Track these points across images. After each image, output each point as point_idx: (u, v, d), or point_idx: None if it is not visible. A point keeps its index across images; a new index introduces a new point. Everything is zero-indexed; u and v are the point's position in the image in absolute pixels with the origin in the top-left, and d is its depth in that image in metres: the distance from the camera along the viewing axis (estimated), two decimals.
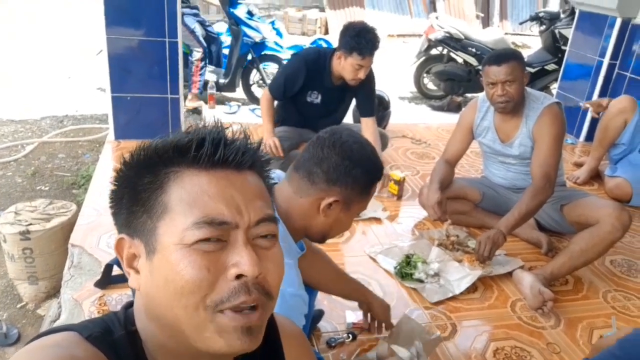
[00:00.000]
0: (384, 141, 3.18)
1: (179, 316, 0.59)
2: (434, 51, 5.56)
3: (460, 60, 5.45)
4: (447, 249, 2.29)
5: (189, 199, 0.59)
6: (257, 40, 4.47)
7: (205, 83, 4.40)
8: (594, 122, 3.90)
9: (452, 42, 5.31)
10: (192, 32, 4.28)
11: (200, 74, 4.37)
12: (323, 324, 1.77)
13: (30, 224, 2.24)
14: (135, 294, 0.66)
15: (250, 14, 4.55)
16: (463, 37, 5.32)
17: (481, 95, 2.49)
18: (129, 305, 0.69)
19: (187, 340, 0.61)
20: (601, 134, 3.14)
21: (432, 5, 10.12)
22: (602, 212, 2.14)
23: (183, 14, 4.37)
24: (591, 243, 2.08)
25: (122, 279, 1.85)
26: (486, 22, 10.52)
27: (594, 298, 2.12)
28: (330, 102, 2.91)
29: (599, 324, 1.95)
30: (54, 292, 2.33)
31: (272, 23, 8.49)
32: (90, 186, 2.66)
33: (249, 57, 4.61)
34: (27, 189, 3.16)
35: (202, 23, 4.47)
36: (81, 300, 1.82)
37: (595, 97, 3.86)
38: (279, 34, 8.07)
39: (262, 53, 4.66)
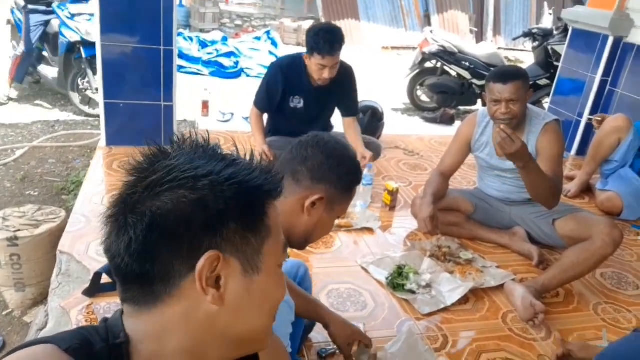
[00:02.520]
0: (377, 151, 3.19)
1: (259, 325, 0.68)
2: (427, 64, 5.61)
3: (453, 74, 5.50)
4: (439, 260, 2.29)
5: (277, 224, 0.70)
6: (72, 40, 4.33)
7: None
8: (585, 137, 3.96)
9: (446, 55, 5.36)
10: (28, 29, 4.45)
11: (18, 68, 4.59)
12: (314, 335, 1.75)
13: (18, 230, 2.21)
14: (173, 312, 0.62)
15: (72, 15, 4.45)
16: (457, 50, 5.38)
17: (480, 110, 2.50)
18: (108, 319, 0.68)
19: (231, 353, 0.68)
20: (594, 150, 3.16)
21: (426, 19, 10.23)
22: (594, 228, 2.16)
23: (32, 11, 4.46)
24: (582, 257, 2.10)
25: (111, 287, 1.82)
26: (480, 37, 10.64)
27: (584, 310, 2.12)
28: (313, 105, 2.90)
29: (590, 336, 1.95)
30: (41, 299, 2.30)
31: (268, 33, 8.47)
32: (80, 192, 2.64)
33: (82, 57, 4.40)
34: (16, 194, 3.13)
35: (46, 22, 4.52)
36: (69, 309, 1.78)
37: (586, 112, 3.91)
38: (274, 43, 8.07)
39: (94, 54, 4.27)
